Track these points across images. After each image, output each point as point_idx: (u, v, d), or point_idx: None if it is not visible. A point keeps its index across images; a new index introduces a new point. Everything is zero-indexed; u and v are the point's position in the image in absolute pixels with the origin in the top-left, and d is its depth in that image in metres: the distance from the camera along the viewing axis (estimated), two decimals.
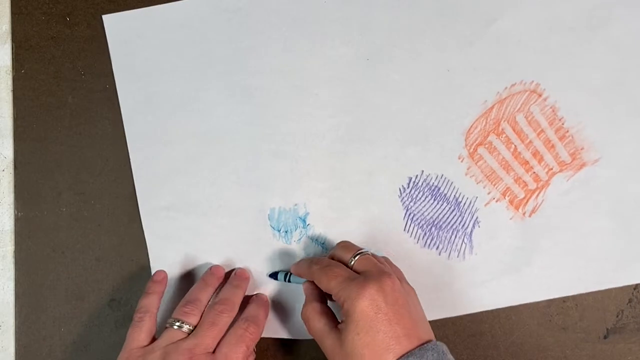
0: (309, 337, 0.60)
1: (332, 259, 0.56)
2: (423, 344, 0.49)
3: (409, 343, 0.49)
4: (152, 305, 0.57)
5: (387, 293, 0.50)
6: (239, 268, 0.61)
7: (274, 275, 0.61)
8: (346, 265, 0.54)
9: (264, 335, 0.59)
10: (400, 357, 0.48)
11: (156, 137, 0.62)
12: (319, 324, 0.53)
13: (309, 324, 0.54)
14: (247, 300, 0.59)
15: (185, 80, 0.63)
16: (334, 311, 0.55)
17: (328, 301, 0.56)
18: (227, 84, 0.62)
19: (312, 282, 0.56)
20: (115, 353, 0.60)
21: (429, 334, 0.52)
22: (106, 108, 0.63)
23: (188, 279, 0.62)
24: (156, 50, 0.63)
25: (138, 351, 0.54)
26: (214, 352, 0.53)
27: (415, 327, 0.51)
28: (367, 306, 0.49)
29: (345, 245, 0.57)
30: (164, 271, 0.61)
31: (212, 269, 0.60)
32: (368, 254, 0.55)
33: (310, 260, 0.56)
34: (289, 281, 0.59)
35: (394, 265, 0.58)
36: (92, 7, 0.64)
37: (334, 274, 0.52)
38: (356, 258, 0.54)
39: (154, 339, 0.55)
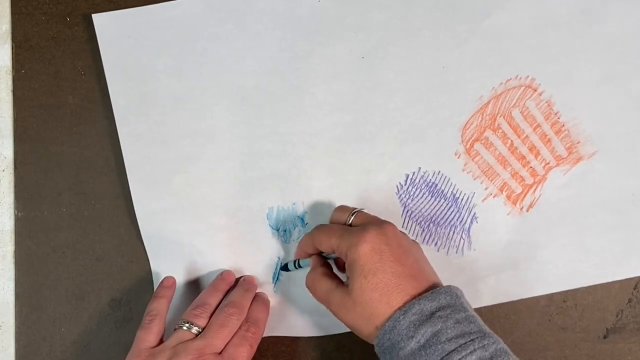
0: (310, 334, 0.60)
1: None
2: (434, 287, 0.49)
3: (418, 284, 0.49)
4: (162, 308, 0.57)
5: (390, 236, 0.51)
6: (248, 275, 0.61)
7: (285, 268, 0.61)
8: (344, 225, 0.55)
9: (265, 334, 0.59)
10: (412, 299, 0.48)
11: (151, 138, 0.62)
12: (324, 285, 0.53)
13: (314, 287, 0.54)
14: None
15: (180, 80, 0.62)
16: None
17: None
18: (222, 84, 0.62)
19: (317, 255, 0.56)
20: (115, 353, 0.61)
21: (437, 279, 0.52)
22: (106, 108, 0.63)
23: (188, 280, 0.62)
24: (149, 50, 0.63)
25: (147, 351, 0.54)
26: (219, 353, 0.54)
27: (422, 270, 0.51)
28: (370, 249, 0.50)
29: (341, 207, 0.58)
30: (173, 277, 0.61)
31: (223, 274, 0.60)
32: (364, 210, 0.56)
33: (308, 233, 0.56)
34: (300, 266, 0.59)
35: None
36: (92, 7, 0.64)
37: (332, 230, 0.53)
38: (353, 215, 0.55)
39: (161, 341, 0.56)
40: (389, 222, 0.53)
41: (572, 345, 0.60)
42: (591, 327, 0.60)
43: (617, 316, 0.60)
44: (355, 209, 0.56)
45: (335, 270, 0.57)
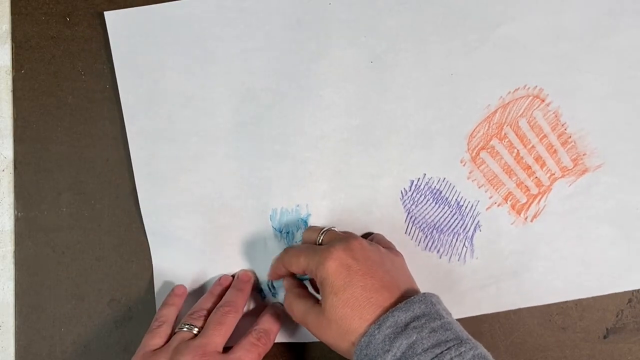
0: (310, 340, 0.60)
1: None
2: (408, 296, 0.49)
3: (390, 294, 0.49)
4: (171, 315, 0.58)
5: (356, 251, 0.51)
6: (242, 270, 0.61)
7: (260, 291, 0.61)
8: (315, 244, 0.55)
9: None
10: (386, 311, 0.48)
11: (158, 135, 0.62)
12: (300, 306, 0.53)
13: (291, 310, 0.54)
14: (263, 306, 0.61)
15: (189, 78, 0.62)
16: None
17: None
18: (231, 83, 0.62)
19: (289, 276, 0.57)
20: (115, 353, 0.61)
21: (413, 286, 0.52)
22: (106, 108, 0.63)
23: (189, 278, 0.62)
24: (159, 48, 0.62)
25: (150, 353, 0.54)
26: (225, 353, 0.54)
27: (394, 280, 0.51)
28: (337, 265, 0.50)
29: (311, 227, 0.58)
30: (184, 286, 0.61)
31: (221, 279, 0.60)
32: (334, 229, 0.56)
33: (278, 256, 0.57)
34: (273, 287, 0.59)
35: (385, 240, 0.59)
36: (92, 7, 0.63)
37: (300, 251, 0.53)
38: (323, 235, 0.55)
39: None
40: (355, 237, 0.53)
41: (572, 345, 0.60)
42: (591, 327, 0.60)
43: (617, 316, 0.60)
44: (325, 227, 0.56)
45: (311, 290, 0.57)
